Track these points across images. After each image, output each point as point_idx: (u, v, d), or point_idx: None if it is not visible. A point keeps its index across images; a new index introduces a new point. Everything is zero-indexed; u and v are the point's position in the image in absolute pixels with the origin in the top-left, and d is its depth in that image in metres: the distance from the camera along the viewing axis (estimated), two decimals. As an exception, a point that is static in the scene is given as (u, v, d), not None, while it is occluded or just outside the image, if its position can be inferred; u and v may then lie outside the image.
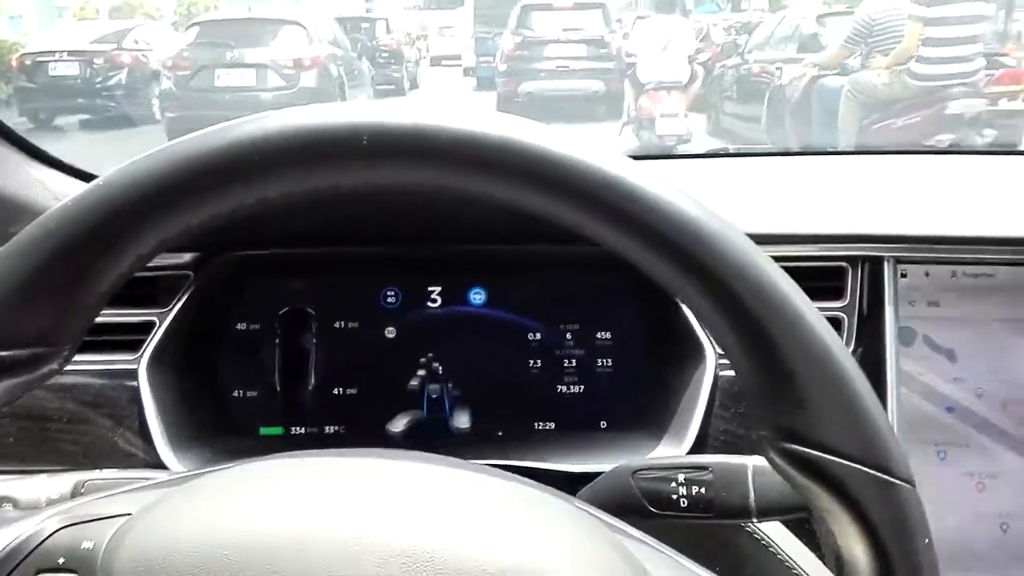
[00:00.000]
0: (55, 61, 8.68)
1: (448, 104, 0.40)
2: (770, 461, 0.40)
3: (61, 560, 0.39)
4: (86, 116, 8.81)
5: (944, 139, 3.43)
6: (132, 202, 0.38)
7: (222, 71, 7.44)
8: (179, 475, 0.46)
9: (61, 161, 0.93)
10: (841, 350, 0.38)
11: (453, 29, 16.38)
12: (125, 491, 0.45)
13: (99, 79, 8.65)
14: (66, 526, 0.41)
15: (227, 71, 7.45)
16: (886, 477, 0.38)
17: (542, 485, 0.46)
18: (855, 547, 0.39)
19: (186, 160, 0.38)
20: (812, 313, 0.38)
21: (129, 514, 0.41)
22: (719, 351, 0.78)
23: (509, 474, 0.47)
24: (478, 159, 0.38)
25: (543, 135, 0.38)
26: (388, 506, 0.39)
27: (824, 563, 0.51)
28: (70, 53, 8.72)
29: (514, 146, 0.37)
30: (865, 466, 0.38)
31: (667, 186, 0.38)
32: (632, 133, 5.29)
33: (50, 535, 0.40)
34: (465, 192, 0.38)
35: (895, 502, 0.38)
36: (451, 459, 0.46)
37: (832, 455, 0.38)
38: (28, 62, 8.76)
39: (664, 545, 0.46)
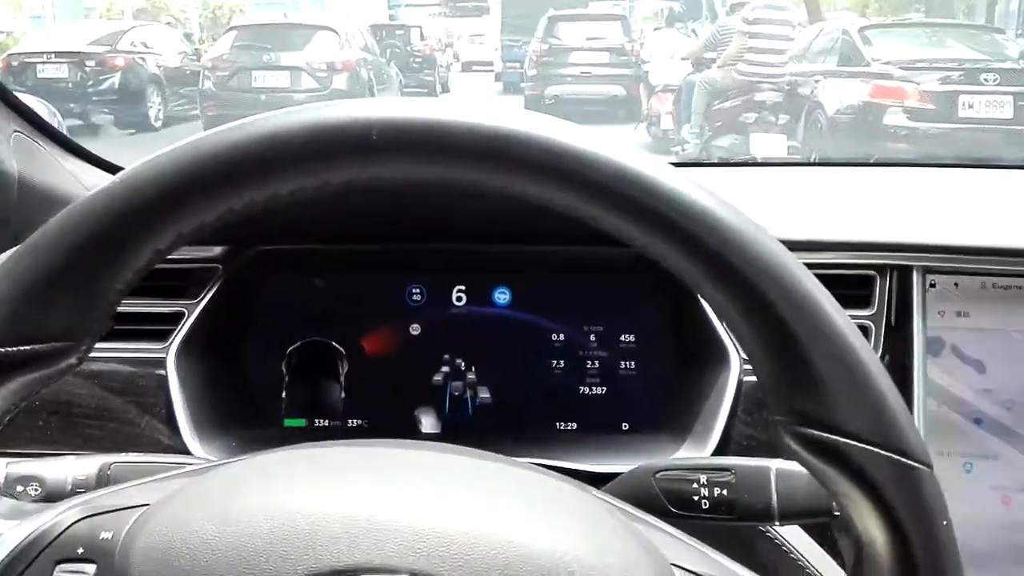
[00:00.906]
0: (43, 63, 8.24)
1: (462, 100, 0.41)
2: (786, 447, 0.40)
3: (80, 550, 0.40)
4: (76, 122, 7.97)
5: (751, 116, 4.94)
6: (147, 198, 0.38)
7: (259, 73, 8.01)
8: (196, 466, 0.47)
9: (93, 154, 0.96)
10: (856, 334, 0.38)
11: (483, 37, 17.48)
12: (143, 482, 0.46)
13: (90, 83, 8.21)
14: (85, 517, 0.42)
15: (263, 73, 8.02)
16: (904, 460, 0.38)
17: (563, 475, 0.47)
18: (873, 530, 0.39)
19: (199, 157, 0.38)
20: (826, 297, 0.39)
21: (147, 504, 0.42)
22: (744, 356, 0.79)
23: (528, 463, 0.47)
24: (489, 152, 0.38)
25: (566, 131, 0.39)
26: (405, 493, 0.40)
27: (844, 568, 0.51)
28: (59, 55, 8.25)
29: (534, 140, 0.38)
30: (882, 449, 0.38)
31: (673, 172, 0.39)
32: (644, 130, 5.98)
33: (69, 526, 0.41)
34: (483, 188, 0.39)
35: (913, 485, 0.38)
36: (472, 450, 0.47)
37: (849, 439, 0.38)
38: (15, 63, 8.31)
39: (684, 533, 0.46)
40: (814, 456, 0.39)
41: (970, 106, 5.91)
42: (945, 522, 0.38)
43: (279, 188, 0.39)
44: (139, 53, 8.65)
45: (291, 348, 0.87)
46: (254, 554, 0.37)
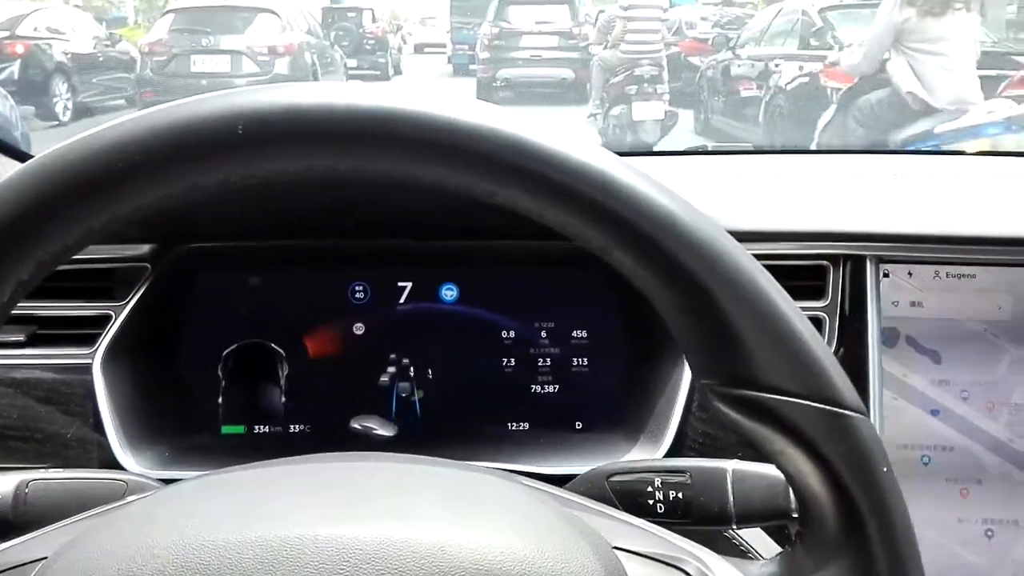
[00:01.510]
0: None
1: (336, 84, 0.39)
2: (716, 410, 0.40)
3: None
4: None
5: (633, 88, 5.62)
6: (20, 207, 0.36)
7: (198, 57, 7.73)
8: (96, 511, 0.45)
9: (17, 148, 0.92)
10: (774, 288, 0.38)
11: (435, 19, 17.88)
12: (39, 534, 0.43)
13: (-16, 72, 7.07)
14: None
15: (203, 57, 7.75)
16: (834, 409, 0.37)
17: (491, 468, 0.47)
18: (814, 485, 0.38)
19: (55, 169, 0.36)
20: (740, 252, 0.38)
21: (44, 558, 0.39)
22: None
23: (453, 461, 0.46)
24: (347, 133, 0.37)
25: (443, 104, 0.37)
26: (324, 511, 0.39)
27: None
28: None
29: (406, 115, 0.37)
30: (811, 400, 0.37)
31: (580, 144, 0.38)
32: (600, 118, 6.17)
33: None
34: (364, 174, 0.38)
35: (847, 433, 0.38)
36: (393, 455, 0.46)
37: (777, 394, 0.38)
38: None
39: (627, 515, 0.46)
40: (745, 416, 0.39)
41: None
42: (886, 469, 0.38)
43: (141, 200, 0.36)
44: (42, 39, 7.59)
45: (227, 351, 0.84)
46: None
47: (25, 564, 0.39)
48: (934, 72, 3.45)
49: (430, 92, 0.38)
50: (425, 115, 0.37)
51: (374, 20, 12.96)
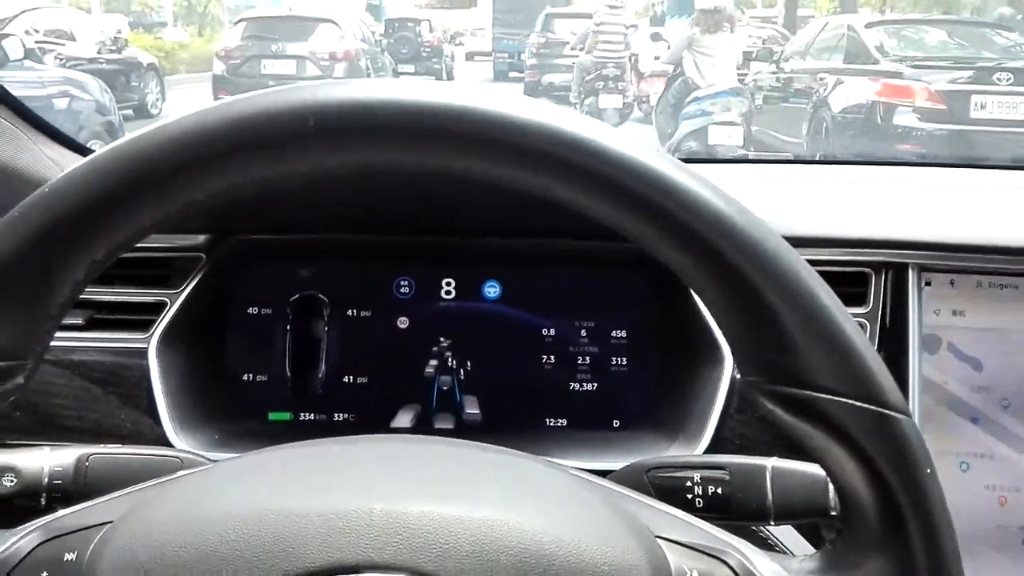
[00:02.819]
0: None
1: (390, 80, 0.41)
2: (761, 406, 0.41)
3: (45, 574, 0.40)
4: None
5: (600, 84, 7.54)
6: (75, 209, 0.38)
7: (267, 61, 9.12)
8: (160, 479, 0.48)
9: (75, 141, 0.98)
10: (823, 289, 0.40)
11: (484, 30, 20.08)
12: (105, 499, 0.46)
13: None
14: (47, 540, 0.42)
15: (271, 61, 9.12)
16: (880, 409, 0.39)
17: (537, 456, 0.49)
18: (857, 485, 0.40)
19: (126, 162, 0.39)
20: (791, 253, 0.40)
21: (110, 522, 0.42)
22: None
23: (502, 448, 0.49)
24: (418, 129, 0.39)
25: (497, 99, 0.39)
26: (376, 486, 0.41)
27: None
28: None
29: (462, 111, 0.39)
30: (857, 400, 0.39)
31: (638, 145, 0.40)
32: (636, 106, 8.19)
33: (31, 551, 0.41)
34: (438, 171, 0.40)
35: (891, 434, 0.39)
36: (442, 438, 0.49)
37: (823, 393, 0.39)
38: None
39: (668, 506, 0.47)
40: (790, 414, 0.40)
41: (982, 106, 5.94)
42: (929, 470, 0.39)
43: (215, 186, 0.39)
44: (38, 42, 7.25)
45: (276, 339, 0.89)
46: (224, 562, 0.37)
47: (91, 527, 0.42)
48: (706, 66, 6.11)
49: (493, 91, 0.40)
50: (485, 112, 0.39)
51: (431, 30, 15.19)
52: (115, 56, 8.51)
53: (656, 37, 9.06)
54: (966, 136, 5.85)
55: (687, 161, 1.15)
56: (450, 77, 15.05)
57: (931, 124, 5.95)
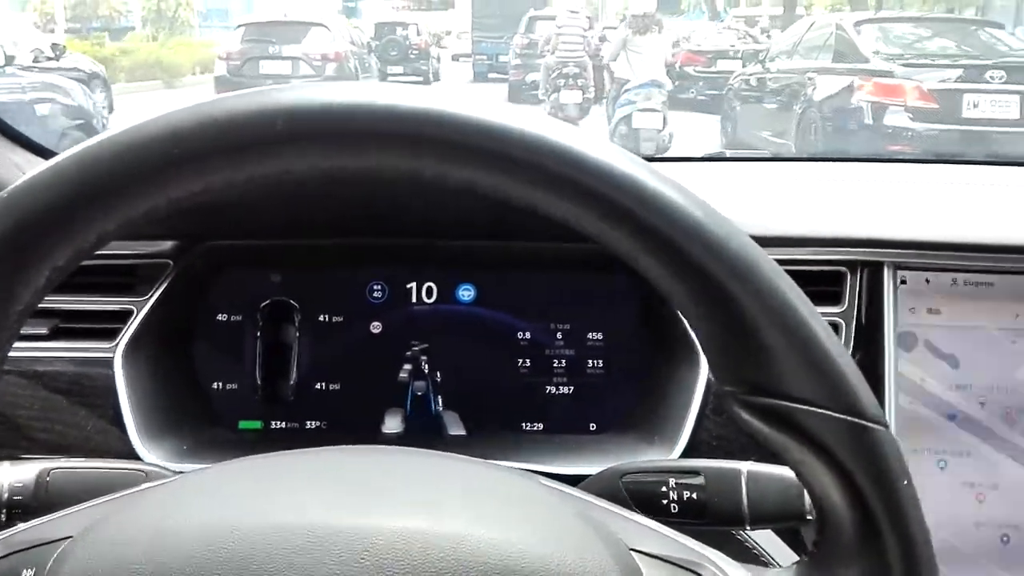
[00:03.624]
0: None
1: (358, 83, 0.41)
2: (737, 416, 0.42)
3: None
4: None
5: (561, 81, 8.42)
6: (35, 214, 0.38)
7: (265, 62, 10.19)
8: (120, 494, 0.47)
9: (42, 146, 0.98)
10: (799, 298, 0.40)
11: (467, 33, 21.00)
12: (64, 513, 0.45)
13: None
14: (5, 555, 0.41)
15: (269, 62, 10.19)
16: (856, 420, 0.39)
17: (511, 468, 0.49)
18: (833, 496, 0.40)
19: (89, 165, 0.38)
20: (769, 263, 0.40)
21: (69, 537, 0.41)
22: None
23: (482, 460, 0.49)
24: (386, 134, 0.39)
25: (467, 104, 0.39)
26: (345, 500, 0.41)
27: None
28: None
29: (437, 116, 0.39)
30: (833, 411, 0.39)
31: (609, 149, 0.40)
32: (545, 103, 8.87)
33: None
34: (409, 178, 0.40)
35: (868, 445, 0.39)
36: (414, 449, 0.48)
37: (799, 403, 0.39)
38: None
39: (644, 517, 0.47)
40: (766, 425, 0.40)
41: (975, 105, 6.00)
42: (906, 482, 0.39)
43: (181, 191, 0.39)
44: None
45: (245, 347, 0.89)
46: None
47: (51, 543, 0.41)
48: (638, 61, 7.02)
49: (468, 96, 0.40)
50: (460, 117, 0.39)
51: (418, 34, 16.26)
52: (53, 65, 8.07)
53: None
54: (958, 136, 5.89)
55: (662, 160, 1.17)
56: (436, 78, 16.10)
57: (923, 124, 6.00)
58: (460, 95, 0.40)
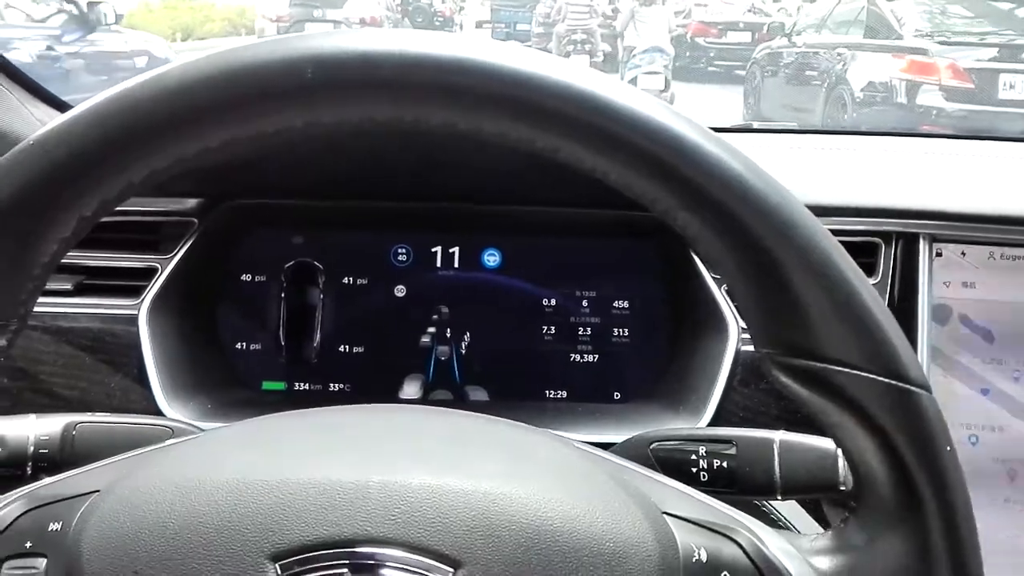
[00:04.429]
0: None
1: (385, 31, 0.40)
2: (775, 379, 0.41)
3: (28, 544, 0.40)
4: None
5: (571, 47, 9.49)
6: (63, 162, 0.38)
7: (309, 24, 11.55)
8: (145, 449, 0.48)
9: (62, 100, 0.99)
10: (844, 259, 0.39)
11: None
12: (90, 468, 0.46)
13: None
14: (31, 509, 0.42)
15: (313, 24, 11.53)
16: (898, 384, 0.38)
17: (543, 430, 0.49)
18: (872, 461, 0.40)
19: (107, 114, 0.38)
20: (811, 220, 0.39)
21: (96, 491, 0.42)
22: (742, 325, 0.81)
23: (505, 420, 0.49)
24: (419, 82, 0.38)
25: (511, 53, 0.38)
26: (373, 458, 0.41)
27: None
28: None
29: (481, 67, 0.38)
30: (875, 374, 0.38)
31: (652, 103, 0.39)
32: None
33: (14, 520, 0.41)
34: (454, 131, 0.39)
35: (910, 409, 0.38)
36: (444, 409, 0.49)
37: (839, 366, 0.39)
38: None
39: (675, 481, 0.47)
40: (805, 388, 0.40)
41: (1011, 86, 5.90)
42: (949, 448, 0.39)
43: (207, 142, 0.39)
44: None
45: (270, 306, 0.90)
46: (214, 533, 0.37)
47: (78, 496, 0.42)
48: (644, 30, 8.00)
49: (498, 44, 0.39)
50: (495, 66, 0.38)
51: (443, 1, 17.58)
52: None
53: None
54: (993, 117, 5.81)
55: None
56: None
57: (957, 104, 5.92)
58: (492, 43, 0.40)
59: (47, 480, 0.46)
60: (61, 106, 0.99)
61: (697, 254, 0.78)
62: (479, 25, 21.21)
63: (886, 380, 0.39)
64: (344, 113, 0.39)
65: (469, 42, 0.39)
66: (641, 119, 0.38)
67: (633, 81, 7.41)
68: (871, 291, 0.39)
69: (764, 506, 0.82)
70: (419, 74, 0.38)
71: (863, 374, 0.39)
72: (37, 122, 0.95)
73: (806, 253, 0.39)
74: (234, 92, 0.38)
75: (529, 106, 0.38)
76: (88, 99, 0.40)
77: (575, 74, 0.39)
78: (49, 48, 4.54)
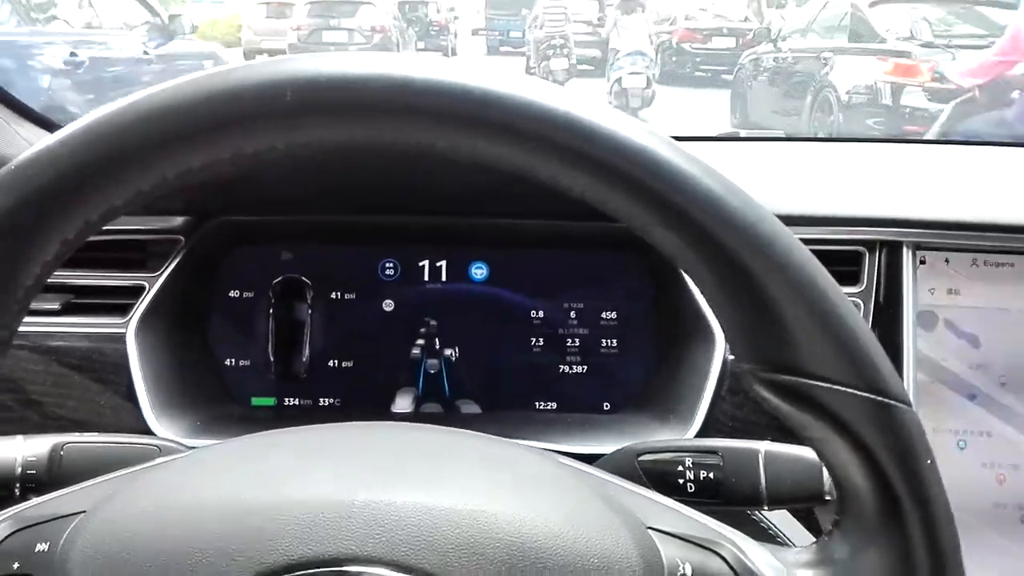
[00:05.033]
0: None
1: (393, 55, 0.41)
2: (756, 394, 0.41)
3: (16, 565, 0.40)
4: None
5: (550, 52, 10.47)
6: (44, 185, 0.38)
7: (326, 32, 12.67)
8: (132, 469, 0.48)
9: (51, 120, 0.99)
10: (821, 274, 0.39)
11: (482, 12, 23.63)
12: (78, 488, 0.46)
13: None
14: (18, 529, 0.42)
15: (329, 32, 12.67)
16: (879, 398, 0.39)
17: (526, 445, 0.50)
18: (855, 476, 0.40)
19: (96, 136, 0.38)
20: (788, 236, 0.39)
21: (83, 512, 0.42)
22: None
23: (499, 438, 0.49)
24: (395, 104, 0.38)
25: (486, 77, 0.38)
26: (359, 476, 0.41)
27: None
28: None
29: (448, 87, 0.38)
30: (856, 389, 0.39)
31: (626, 121, 0.39)
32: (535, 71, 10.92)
33: (2, 541, 0.41)
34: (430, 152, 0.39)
35: (891, 424, 0.39)
36: (430, 426, 0.49)
37: (820, 381, 0.39)
38: None
39: (660, 495, 0.48)
40: (786, 403, 0.40)
41: (992, 85, 5.96)
42: (929, 461, 0.39)
43: (188, 163, 0.39)
44: None
45: (258, 323, 0.90)
46: (200, 555, 0.37)
47: (65, 516, 0.42)
48: (628, 34, 8.95)
49: (482, 67, 0.39)
50: (472, 88, 0.38)
51: (438, 11, 18.08)
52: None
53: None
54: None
55: (678, 140, 1.17)
56: (454, 53, 18.04)
57: (940, 104, 5.98)
58: (473, 67, 0.40)
59: (34, 501, 0.46)
60: (47, 124, 0.99)
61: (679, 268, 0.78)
62: (475, 32, 21.79)
63: (866, 395, 0.39)
64: (323, 135, 0.39)
65: (448, 65, 0.39)
66: (613, 138, 0.38)
67: (619, 81, 8.50)
68: (849, 306, 0.40)
69: (755, 515, 0.82)
70: (397, 97, 0.38)
71: (843, 389, 0.39)
72: (23, 141, 0.95)
73: (783, 269, 0.39)
74: (214, 114, 0.38)
75: (506, 127, 0.38)
76: (71, 122, 0.39)
77: (551, 95, 0.39)
78: (145, 53, 5.45)
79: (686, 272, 0.41)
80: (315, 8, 13.52)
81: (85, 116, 0.39)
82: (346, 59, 0.39)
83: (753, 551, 0.43)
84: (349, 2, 13.50)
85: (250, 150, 0.39)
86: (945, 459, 0.82)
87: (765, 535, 0.84)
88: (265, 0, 13.72)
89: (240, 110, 0.38)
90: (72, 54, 4.55)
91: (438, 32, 17.50)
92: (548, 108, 0.38)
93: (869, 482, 0.40)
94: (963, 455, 0.82)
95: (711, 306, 0.41)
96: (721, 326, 0.42)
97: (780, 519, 0.84)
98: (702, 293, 0.41)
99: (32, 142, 0.95)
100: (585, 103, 0.39)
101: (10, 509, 0.44)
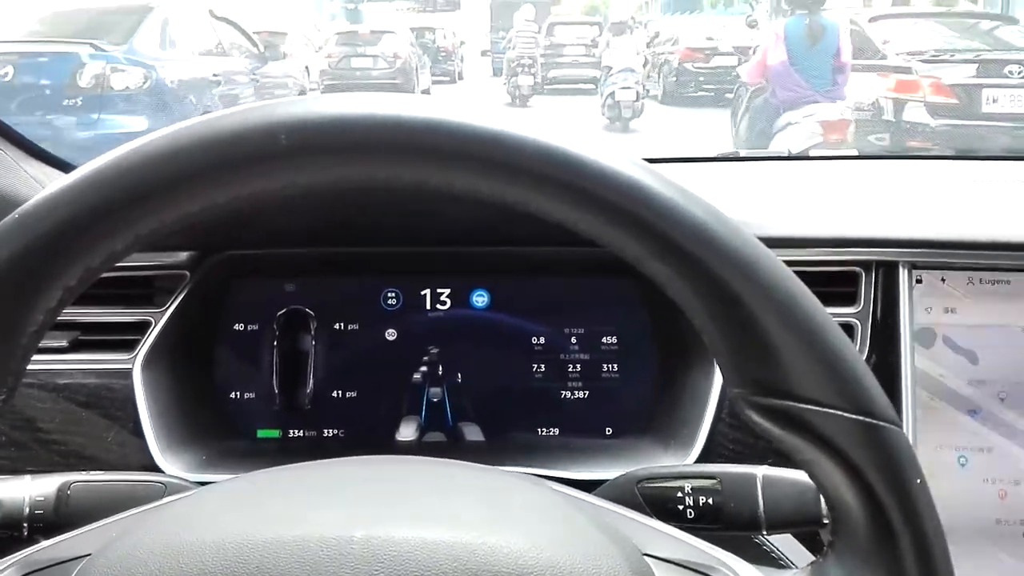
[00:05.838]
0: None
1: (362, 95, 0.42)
2: (747, 418, 0.42)
3: None
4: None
5: (519, 69, 12.92)
6: (46, 235, 0.39)
7: (354, 59, 14.24)
8: (138, 509, 0.48)
9: (58, 158, 1.00)
10: (807, 298, 0.40)
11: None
12: (84, 531, 0.46)
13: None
14: (26, 574, 0.42)
15: (357, 59, 14.24)
16: (867, 420, 0.39)
17: (522, 474, 0.50)
18: (846, 497, 0.40)
19: (93, 185, 0.39)
20: (772, 260, 0.40)
21: (88, 555, 0.42)
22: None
23: (494, 468, 0.50)
24: (386, 145, 0.40)
25: (473, 113, 0.40)
26: (359, 512, 0.42)
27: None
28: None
29: (445, 127, 0.40)
30: (844, 411, 0.39)
31: (612, 154, 0.40)
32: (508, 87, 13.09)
33: None
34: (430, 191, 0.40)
35: (880, 444, 0.39)
36: (427, 458, 0.50)
37: (809, 404, 0.40)
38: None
39: (657, 522, 0.49)
40: (777, 426, 0.41)
41: (994, 100, 5.97)
42: (919, 480, 0.40)
43: (187, 208, 0.40)
44: None
45: (263, 355, 0.91)
46: None
47: (69, 560, 0.42)
48: (618, 53, 10.13)
49: (468, 105, 0.41)
50: (460, 126, 0.39)
51: (445, 37, 19.66)
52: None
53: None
54: (977, 131, 5.88)
55: (676, 161, 1.19)
56: (460, 77, 19.77)
57: (942, 119, 5.99)
58: (452, 103, 0.41)
59: (42, 544, 0.46)
60: (55, 163, 1.01)
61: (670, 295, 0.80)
62: (484, 53, 22.99)
63: (854, 416, 0.39)
64: (317, 176, 0.40)
65: (440, 103, 0.40)
66: (601, 171, 0.39)
67: (612, 95, 9.61)
68: (836, 328, 0.40)
69: (757, 538, 0.83)
70: (389, 136, 0.39)
71: (832, 411, 0.39)
72: (32, 179, 0.97)
73: (769, 294, 0.39)
74: (212, 160, 0.39)
75: (498, 163, 0.39)
76: (76, 169, 0.41)
77: (542, 131, 0.40)
78: (253, 73, 7.29)
79: (676, 300, 0.42)
80: (343, 38, 15.31)
81: (93, 161, 0.40)
82: (334, 101, 0.40)
83: (747, 573, 0.43)
84: (375, 32, 15.23)
85: (246, 193, 0.40)
86: (946, 475, 0.83)
87: (767, 558, 0.84)
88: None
89: (236, 155, 0.39)
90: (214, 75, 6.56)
91: (445, 57, 18.92)
92: (540, 144, 0.39)
93: (860, 503, 0.40)
94: (964, 471, 0.82)
95: (701, 333, 0.42)
96: (711, 352, 0.42)
97: (783, 541, 0.84)
98: (692, 319, 0.42)
99: (41, 181, 0.97)
100: (571, 137, 0.40)
101: (18, 553, 0.45)
